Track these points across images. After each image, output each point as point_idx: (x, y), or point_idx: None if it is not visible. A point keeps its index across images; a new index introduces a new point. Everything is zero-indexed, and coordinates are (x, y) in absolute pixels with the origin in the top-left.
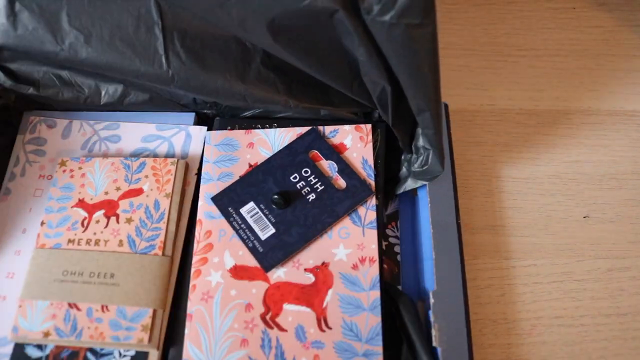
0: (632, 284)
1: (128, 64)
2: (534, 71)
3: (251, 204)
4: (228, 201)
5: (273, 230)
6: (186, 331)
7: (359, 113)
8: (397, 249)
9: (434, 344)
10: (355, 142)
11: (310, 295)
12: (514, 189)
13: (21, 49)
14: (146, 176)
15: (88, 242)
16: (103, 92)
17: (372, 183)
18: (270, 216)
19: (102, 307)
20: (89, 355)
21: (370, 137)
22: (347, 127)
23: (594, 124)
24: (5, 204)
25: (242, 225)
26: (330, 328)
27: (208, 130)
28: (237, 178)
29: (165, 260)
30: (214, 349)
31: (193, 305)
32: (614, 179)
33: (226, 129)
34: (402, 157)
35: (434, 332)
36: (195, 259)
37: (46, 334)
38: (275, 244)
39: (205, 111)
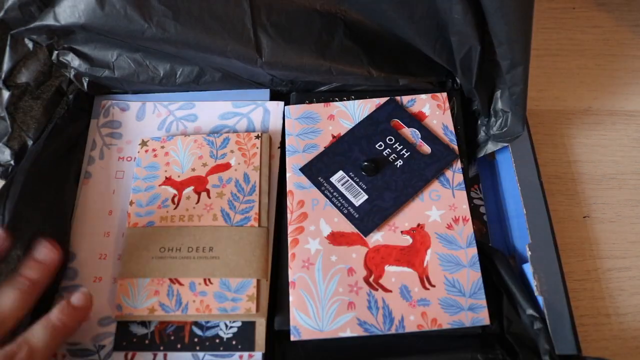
0: (632, 284)
1: (216, 40)
2: (534, 71)
3: (340, 173)
4: (317, 171)
5: (366, 197)
6: (290, 298)
7: (434, 82)
8: (482, 209)
9: (536, 293)
10: (434, 110)
11: (410, 255)
12: None
13: (106, 29)
14: (232, 151)
15: (181, 218)
16: (178, 73)
17: (456, 147)
18: (361, 183)
19: (205, 280)
20: (194, 329)
21: (447, 104)
22: (423, 96)
23: (594, 124)
24: (87, 187)
25: (335, 194)
26: (433, 286)
27: (285, 105)
28: (322, 149)
29: (263, 231)
30: (321, 313)
31: (294, 273)
32: (614, 179)
33: (304, 103)
34: (479, 122)
35: (534, 283)
36: (290, 228)
37: (151, 310)
38: (370, 209)
39: (280, 88)
